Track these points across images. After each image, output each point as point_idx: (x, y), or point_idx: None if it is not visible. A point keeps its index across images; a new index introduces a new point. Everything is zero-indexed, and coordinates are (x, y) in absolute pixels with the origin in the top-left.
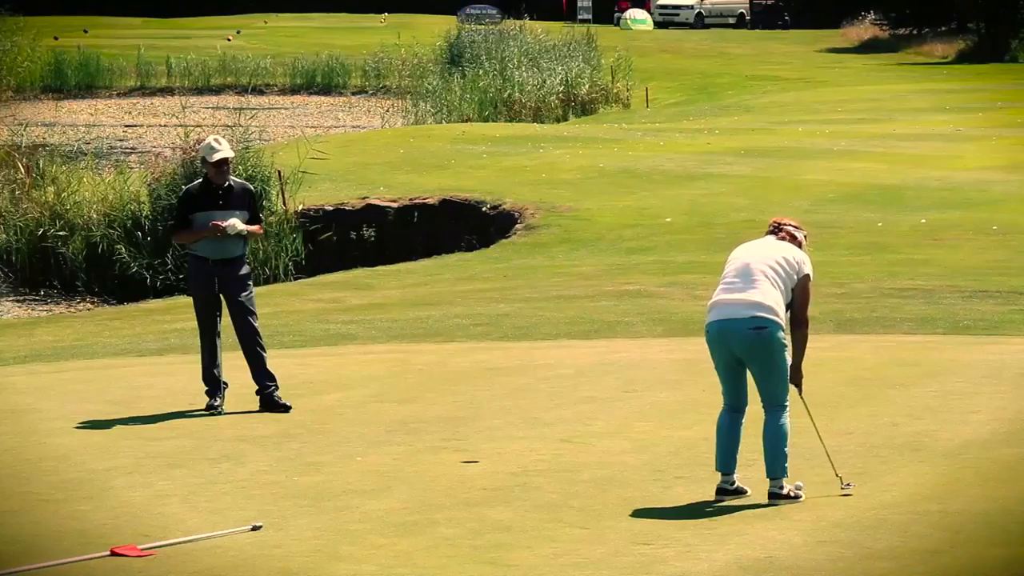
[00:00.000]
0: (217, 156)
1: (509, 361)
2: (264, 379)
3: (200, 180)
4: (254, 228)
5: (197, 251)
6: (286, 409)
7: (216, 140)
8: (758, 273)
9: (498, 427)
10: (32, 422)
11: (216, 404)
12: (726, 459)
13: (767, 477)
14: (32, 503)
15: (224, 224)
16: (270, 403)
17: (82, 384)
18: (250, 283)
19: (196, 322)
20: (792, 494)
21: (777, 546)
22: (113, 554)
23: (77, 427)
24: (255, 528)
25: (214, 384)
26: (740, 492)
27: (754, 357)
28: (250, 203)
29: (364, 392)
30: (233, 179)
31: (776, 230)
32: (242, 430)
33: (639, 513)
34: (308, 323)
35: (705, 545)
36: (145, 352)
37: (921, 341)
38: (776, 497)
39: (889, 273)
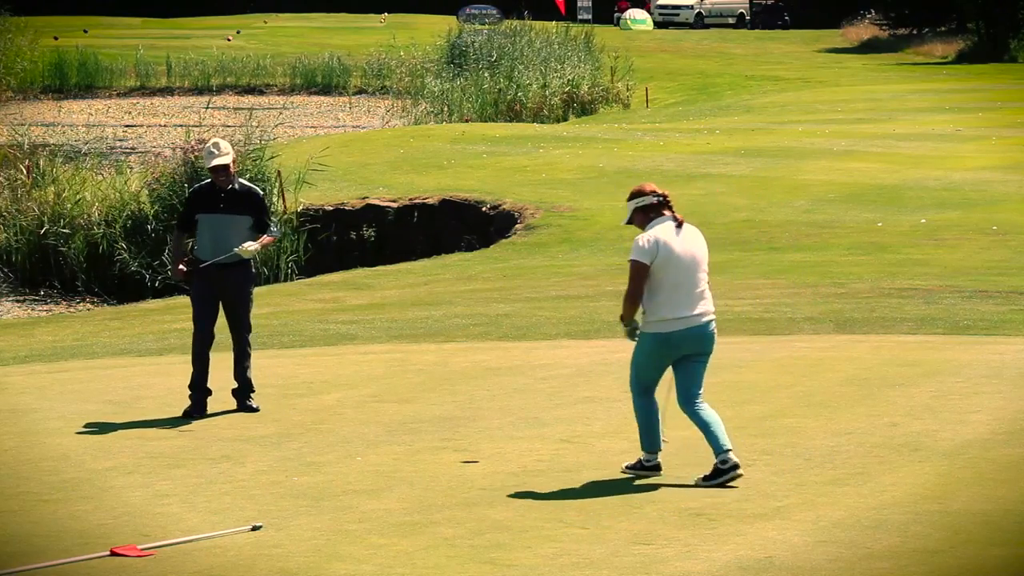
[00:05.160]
0: (214, 162)
1: (509, 361)
2: (243, 382)
3: (209, 180)
4: (265, 240)
5: (198, 253)
6: (253, 411)
7: (215, 145)
8: (702, 283)
9: (498, 427)
10: (32, 422)
11: (194, 415)
12: (658, 438)
13: (721, 452)
14: (32, 503)
15: (239, 249)
16: (240, 402)
17: (81, 384)
18: (250, 289)
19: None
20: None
21: (777, 546)
22: (113, 554)
23: (77, 427)
24: (255, 528)
25: (200, 395)
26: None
27: (706, 351)
28: (257, 209)
29: (364, 392)
30: (241, 182)
31: (673, 217)
32: (242, 430)
33: (639, 513)
34: (308, 323)
35: (705, 545)
36: (145, 352)
37: (921, 341)
38: (736, 465)
39: (889, 273)
